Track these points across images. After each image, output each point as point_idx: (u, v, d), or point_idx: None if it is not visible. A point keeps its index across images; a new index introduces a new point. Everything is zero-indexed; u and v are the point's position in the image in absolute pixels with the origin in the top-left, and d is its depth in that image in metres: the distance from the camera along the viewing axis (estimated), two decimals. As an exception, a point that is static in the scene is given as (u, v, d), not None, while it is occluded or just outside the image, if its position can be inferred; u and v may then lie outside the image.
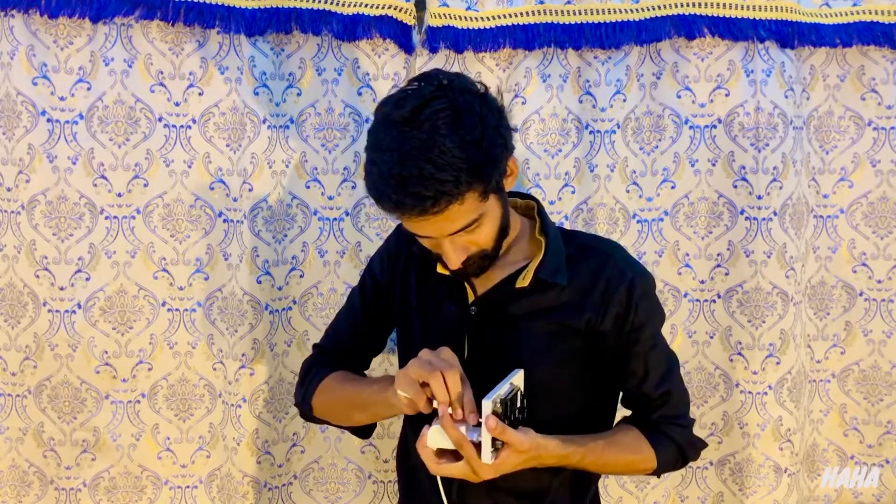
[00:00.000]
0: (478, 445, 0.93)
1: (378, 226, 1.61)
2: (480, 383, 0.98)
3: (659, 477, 1.27)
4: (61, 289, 1.50)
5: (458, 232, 0.98)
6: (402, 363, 1.16)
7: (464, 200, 0.94)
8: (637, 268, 1.12)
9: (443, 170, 0.91)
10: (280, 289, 1.57)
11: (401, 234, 1.20)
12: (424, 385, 0.96)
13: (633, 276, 1.10)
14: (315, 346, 1.28)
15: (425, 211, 0.93)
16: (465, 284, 1.11)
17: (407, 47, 1.57)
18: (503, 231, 1.05)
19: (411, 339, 1.17)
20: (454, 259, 1.01)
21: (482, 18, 1.56)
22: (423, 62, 1.56)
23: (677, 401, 1.14)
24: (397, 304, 1.19)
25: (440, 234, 0.98)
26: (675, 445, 1.13)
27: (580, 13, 1.58)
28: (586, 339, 1.09)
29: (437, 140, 0.91)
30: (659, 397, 1.13)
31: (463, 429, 0.93)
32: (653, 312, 1.13)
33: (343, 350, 1.24)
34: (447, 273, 1.09)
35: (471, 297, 1.11)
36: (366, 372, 1.27)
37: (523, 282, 1.08)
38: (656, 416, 1.13)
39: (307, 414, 1.23)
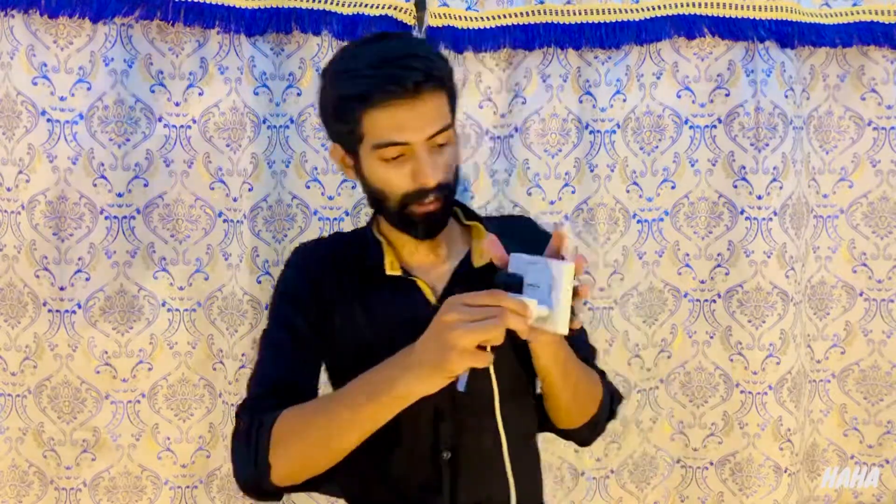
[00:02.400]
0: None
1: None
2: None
3: (596, 425, 1.17)
4: (61, 289, 1.49)
5: (436, 135, 0.97)
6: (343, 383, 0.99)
7: (441, 94, 0.97)
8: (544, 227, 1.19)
9: (429, 53, 0.97)
10: (280, 289, 1.57)
11: (313, 259, 1.11)
12: (481, 348, 0.82)
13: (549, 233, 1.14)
14: (244, 402, 1.03)
15: (420, 85, 0.93)
16: (419, 282, 1.05)
17: (407, 47, 1.57)
18: (458, 169, 1.06)
19: (367, 355, 0.99)
20: (431, 172, 0.97)
21: (482, 18, 1.56)
22: (423, 62, 1.56)
23: (595, 356, 1.19)
24: (337, 325, 1.05)
25: (422, 132, 0.96)
26: (609, 390, 1.15)
27: (580, 13, 1.58)
28: None
29: (416, 42, 0.96)
30: (588, 351, 1.16)
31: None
32: None
33: (289, 386, 1.02)
34: (398, 273, 1.05)
35: (427, 292, 1.05)
36: None
37: (482, 260, 1.06)
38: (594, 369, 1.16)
39: (262, 484, 0.96)
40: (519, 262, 0.86)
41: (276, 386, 1.01)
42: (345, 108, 0.97)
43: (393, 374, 0.87)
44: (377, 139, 0.97)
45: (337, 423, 0.91)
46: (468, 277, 1.06)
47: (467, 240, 1.12)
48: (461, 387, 0.84)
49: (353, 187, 1.59)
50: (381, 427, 0.93)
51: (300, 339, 1.04)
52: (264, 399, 1.00)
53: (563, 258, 0.85)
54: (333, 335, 1.05)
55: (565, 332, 0.83)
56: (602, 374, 1.18)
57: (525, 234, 1.14)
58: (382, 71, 0.93)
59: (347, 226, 1.59)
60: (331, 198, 1.58)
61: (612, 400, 1.16)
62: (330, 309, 1.06)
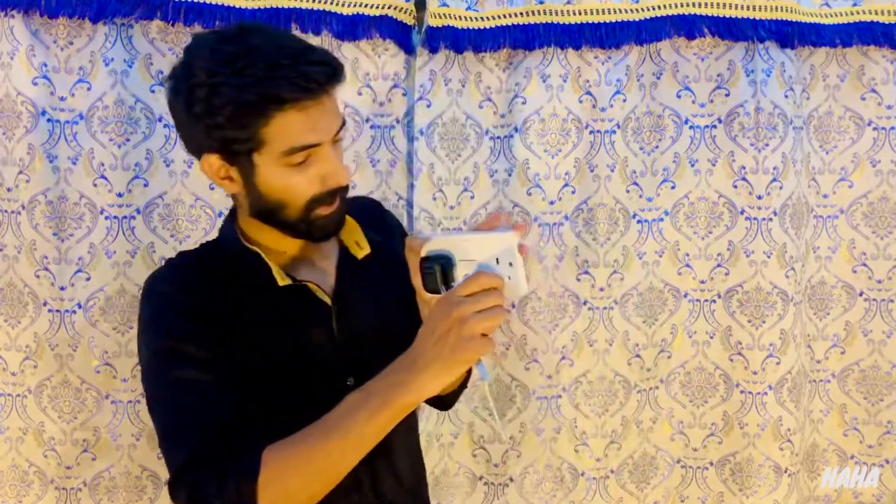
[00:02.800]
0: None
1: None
2: (363, 368, 0.90)
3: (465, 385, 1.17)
4: (61, 289, 1.49)
5: (338, 131, 0.93)
6: (262, 401, 0.94)
7: (336, 89, 0.92)
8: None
9: (316, 47, 0.90)
10: (280, 289, 1.57)
11: (182, 284, 0.98)
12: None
13: (389, 210, 1.20)
14: (185, 466, 0.87)
15: (332, 77, 0.88)
16: (310, 286, 0.99)
17: (407, 47, 1.57)
18: None
19: (280, 372, 0.96)
20: (342, 171, 0.93)
21: (482, 18, 1.56)
22: (423, 62, 1.56)
23: None
24: (238, 348, 0.95)
25: (330, 130, 0.91)
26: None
27: (580, 13, 1.58)
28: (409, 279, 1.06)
29: (286, 32, 0.92)
30: None
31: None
32: None
33: (232, 426, 0.89)
34: (288, 283, 0.98)
35: (320, 294, 1.00)
36: None
37: (363, 251, 1.04)
38: None
39: None
40: (441, 243, 0.86)
41: (214, 434, 0.87)
42: (246, 114, 0.86)
43: (398, 381, 0.82)
44: (287, 144, 0.88)
45: (340, 450, 0.84)
46: (354, 270, 1.04)
47: None
48: (485, 376, 0.85)
49: (354, 186, 1.58)
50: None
51: (214, 373, 0.91)
52: (211, 453, 0.85)
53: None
54: (237, 360, 0.94)
55: (526, 291, 0.86)
56: None
57: (372, 212, 1.14)
58: (288, 69, 0.85)
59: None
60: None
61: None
62: (225, 330, 0.94)
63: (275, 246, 1.00)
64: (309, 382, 0.98)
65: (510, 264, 0.82)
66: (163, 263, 1.04)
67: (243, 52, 0.86)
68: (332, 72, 0.88)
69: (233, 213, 1.04)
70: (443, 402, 1.18)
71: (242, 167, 0.92)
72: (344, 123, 0.94)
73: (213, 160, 0.92)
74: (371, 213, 1.13)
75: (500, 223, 0.86)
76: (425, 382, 0.81)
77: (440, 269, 0.85)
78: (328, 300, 1.01)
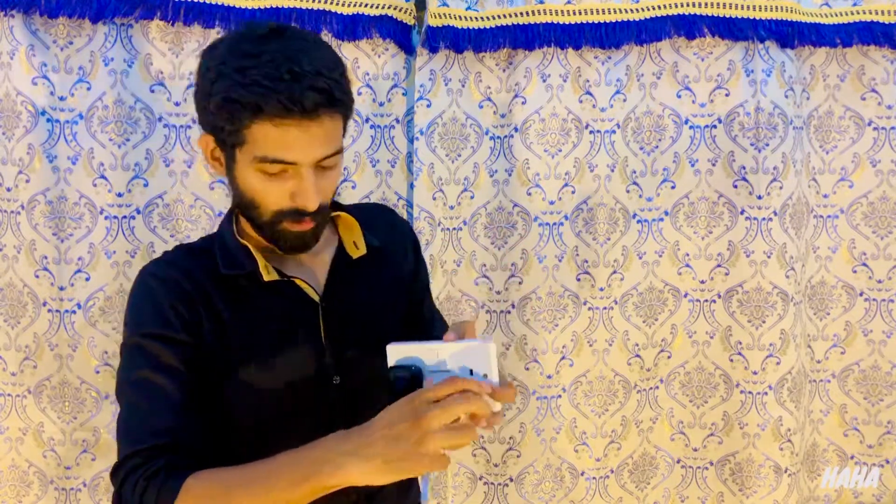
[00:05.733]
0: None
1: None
2: (348, 368, 0.95)
3: None
4: (61, 289, 1.49)
5: (325, 159, 0.90)
6: (242, 403, 0.96)
7: (338, 116, 0.90)
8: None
9: (330, 70, 0.88)
10: (280, 289, 1.57)
11: (168, 280, 0.98)
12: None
13: (405, 220, 1.18)
14: (122, 463, 0.88)
15: (319, 107, 0.86)
16: (298, 282, 0.99)
17: (407, 47, 1.57)
18: (336, 188, 1.00)
19: (257, 365, 0.96)
20: (313, 197, 0.91)
21: (482, 18, 1.56)
22: (423, 62, 1.56)
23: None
24: (214, 346, 0.95)
25: (311, 155, 0.89)
26: None
27: (580, 13, 1.58)
28: (410, 291, 1.09)
29: (317, 48, 0.89)
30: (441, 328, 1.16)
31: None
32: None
33: (175, 439, 0.89)
34: (275, 278, 0.98)
35: (308, 292, 1.00)
36: None
37: (359, 251, 1.04)
38: None
39: None
40: (409, 350, 0.82)
41: (160, 439, 0.88)
42: (231, 109, 0.88)
43: (328, 458, 0.78)
44: (262, 152, 0.89)
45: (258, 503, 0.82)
46: (348, 270, 1.04)
47: (333, 230, 1.08)
48: (425, 496, 0.80)
49: (354, 187, 1.58)
50: (268, 444, 0.86)
51: (177, 379, 0.91)
52: (150, 457, 0.87)
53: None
54: (212, 358, 0.94)
55: (499, 408, 0.80)
56: None
57: (379, 217, 1.13)
58: (282, 85, 0.85)
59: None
60: (331, 198, 1.58)
61: None
62: (202, 331, 0.95)
63: (262, 241, 1.00)
64: (293, 379, 0.98)
65: (484, 376, 0.78)
66: (158, 255, 1.05)
67: (255, 53, 0.87)
68: (324, 100, 0.87)
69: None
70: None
71: (228, 156, 0.94)
72: (338, 153, 0.93)
73: (208, 139, 0.95)
74: (378, 218, 1.12)
75: (469, 333, 0.82)
76: (360, 474, 0.77)
77: (412, 378, 0.79)
78: (316, 297, 1.01)
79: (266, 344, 0.97)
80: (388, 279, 1.06)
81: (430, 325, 1.14)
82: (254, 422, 0.96)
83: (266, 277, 0.97)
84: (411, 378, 0.80)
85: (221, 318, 0.96)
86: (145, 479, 0.85)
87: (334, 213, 1.06)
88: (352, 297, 1.03)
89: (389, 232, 1.11)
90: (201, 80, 0.92)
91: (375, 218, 1.11)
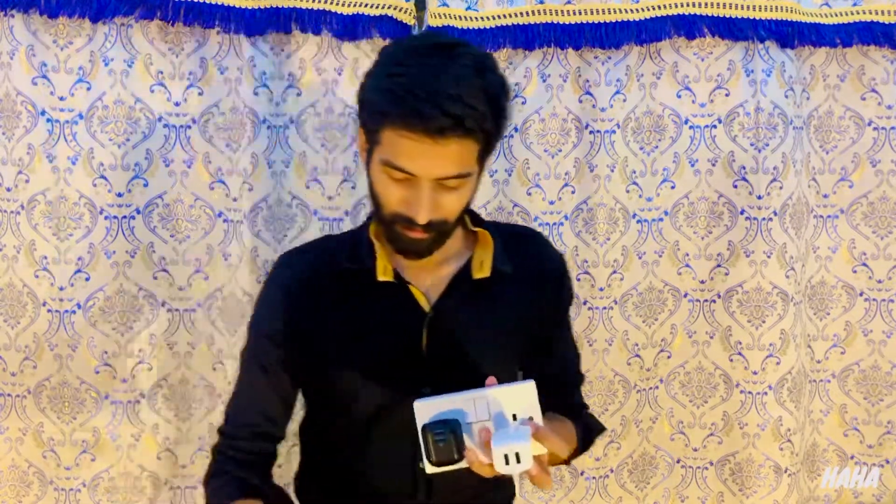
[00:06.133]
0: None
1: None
2: (442, 384, 0.93)
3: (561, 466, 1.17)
4: (61, 289, 1.49)
5: (448, 178, 0.92)
6: (332, 404, 1.08)
7: (471, 142, 0.91)
8: (554, 246, 1.17)
9: (473, 97, 0.89)
10: (280, 289, 1.57)
11: (294, 278, 1.08)
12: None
13: (560, 254, 1.15)
14: (221, 436, 1.13)
15: (444, 131, 0.87)
16: (412, 289, 1.03)
17: (407, 47, 1.57)
18: (466, 209, 1.01)
19: (352, 363, 1.03)
20: (424, 212, 0.93)
21: (482, 18, 1.56)
22: (423, 62, 1.56)
23: (582, 382, 1.19)
24: (318, 339, 1.05)
25: (431, 172, 0.92)
26: (584, 429, 1.11)
27: (580, 13, 1.58)
28: (536, 326, 1.08)
29: (471, 73, 0.90)
30: (576, 378, 1.16)
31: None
32: (572, 291, 1.16)
33: (260, 431, 1.10)
34: (390, 279, 1.02)
35: (420, 299, 1.04)
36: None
37: (482, 272, 1.04)
38: (577, 402, 1.15)
39: None
40: (444, 404, 0.79)
41: (248, 429, 1.09)
42: (370, 110, 0.95)
43: None
44: (388, 157, 0.93)
45: None
46: (466, 288, 1.04)
47: (470, 244, 1.08)
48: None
49: (353, 187, 1.59)
50: (355, 441, 1.02)
51: (274, 379, 1.08)
52: (236, 440, 1.09)
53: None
54: (311, 352, 1.05)
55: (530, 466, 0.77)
56: (582, 407, 1.17)
57: (532, 251, 1.11)
58: (414, 100, 0.87)
59: (347, 226, 1.59)
60: (330, 198, 1.58)
61: (585, 437, 1.12)
62: (308, 331, 1.05)
63: None
64: (384, 380, 1.01)
65: (530, 418, 0.75)
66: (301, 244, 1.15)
67: (409, 63, 0.91)
68: (451, 124, 0.87)
69: None
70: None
71: (369, 151, 0.99)
72: (464, 175, 0.93)
73: (361, 131, 1.01)
74: (525, 245, 1.11)
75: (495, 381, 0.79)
76: None
77: (453, 436, 0.76)
78: (427, 307, 1.03)
79: (363, 344, 1.02)
80: (506, 307, 1.06)
81: (562, 363, 1.13)
82: (344, 420, 1.06)
83: (380, 277, 1.02)
84: (450, 435, 0.78)
85: (327, 315, 1.04)
86: (220, 467, 1.10)
87: (475, 228, 1.07)
88: (462, 315, 1.04)
89: (532, 261, 1.09)
90: (365, 75, 0.98)
91: (522, 244, 1.10)
